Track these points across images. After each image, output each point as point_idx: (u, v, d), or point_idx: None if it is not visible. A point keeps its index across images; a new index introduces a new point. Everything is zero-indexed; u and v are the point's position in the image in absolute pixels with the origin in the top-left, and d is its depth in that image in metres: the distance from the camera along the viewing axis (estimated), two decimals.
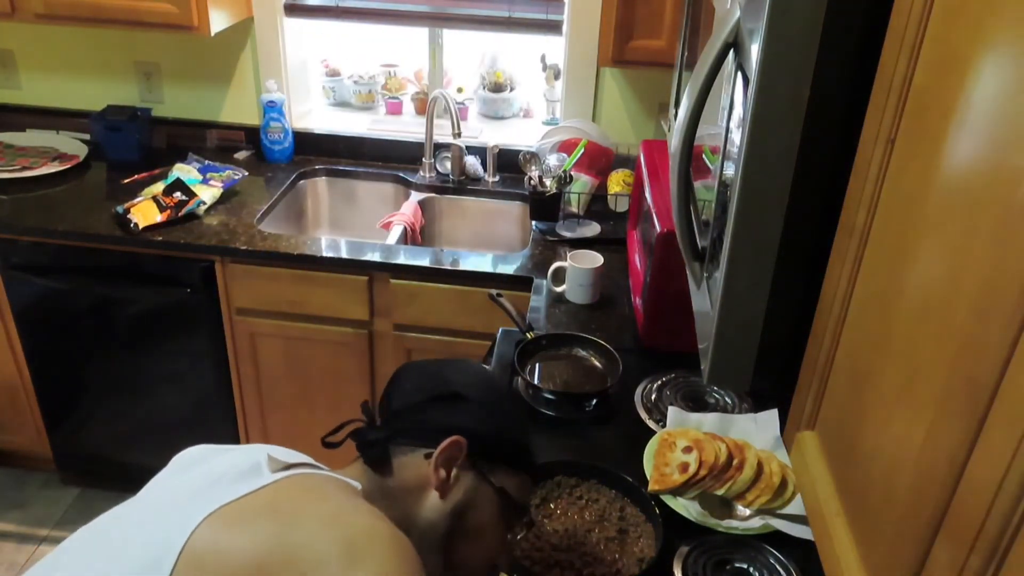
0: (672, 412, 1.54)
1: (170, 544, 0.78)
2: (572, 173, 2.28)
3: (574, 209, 2.36)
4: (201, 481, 0.89)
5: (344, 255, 2.17)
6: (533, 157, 2.40)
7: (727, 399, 1.63)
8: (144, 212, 2.20)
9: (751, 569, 1.24)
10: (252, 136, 2.67)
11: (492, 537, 1.01)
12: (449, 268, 2.14)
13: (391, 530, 0.84)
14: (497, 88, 2.79)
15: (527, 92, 2.85)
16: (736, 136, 0.83)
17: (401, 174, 2.61)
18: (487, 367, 1.10)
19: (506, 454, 1.01)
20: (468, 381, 1.03)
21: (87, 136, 2.67)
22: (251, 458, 0.91)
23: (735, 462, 1.37)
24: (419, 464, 0.97)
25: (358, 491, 0.94)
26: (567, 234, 2.30)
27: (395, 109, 2.83)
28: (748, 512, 1.33)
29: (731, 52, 0.88)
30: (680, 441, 1.42)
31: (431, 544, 0.96)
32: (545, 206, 2.29)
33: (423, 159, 2.59)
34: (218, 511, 0.81)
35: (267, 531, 0.80)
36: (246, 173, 2.47)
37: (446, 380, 1.02)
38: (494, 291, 1.88)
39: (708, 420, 1.52)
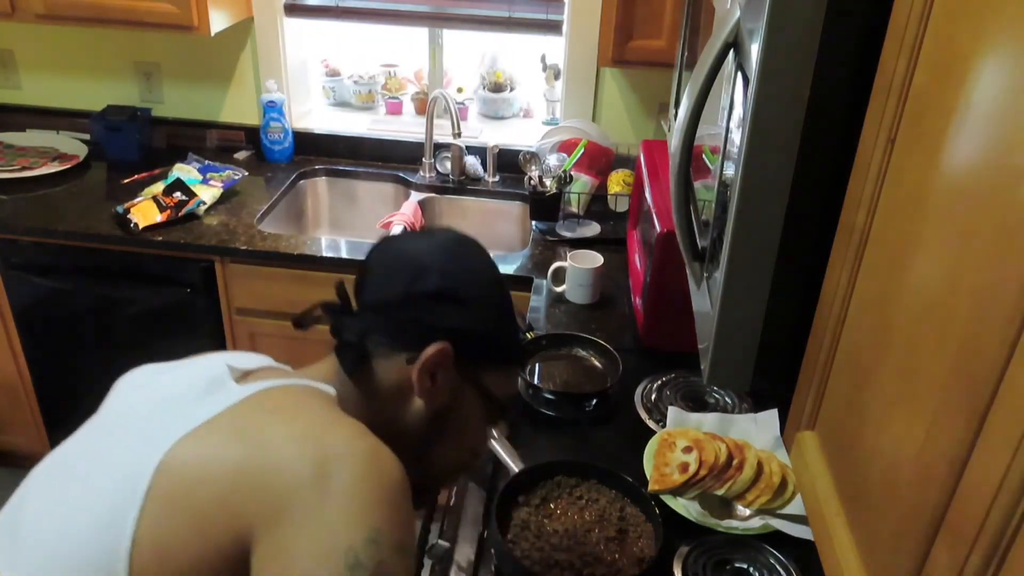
0: (672, 412, 1.54)
1: (140, 474, 0.75)
2: (572, 173, 2.28)
3: (574, 209, 2.36)
4: (161, 402, 0.85)
5: (344, 255, 2.17)
6: (533, 157, 2.40)
7: (727, 399, 1.63)
8: (144, 212, 2.20)
9: (751, 569, 1.24)
10: (252, 136, 2.67)
11: (472, 437, 0.97)
12: None
13: (368, 445, 0.79)
14: (497, 88, 2.79)
15: (527, 92, 2.85)
16: (736, 136, 0.83)
17: (401, 174, 2.61)
18: (471, 241, 0.97)
19: (493, 353, 0.94)
20: (452, 269, 0.91)
21: (87, 136, 2.67)
22: (210, 371, 0.87)
23: (735, 462, 1.37)
24: (400, 369, 0.89)
25: (332, 399, 0.89)
26: (567, 234, 2.30)
27: (395, 109, 2.83)
28: (748, 512, 1.33)
29: (731, 52, 0.88)
30: (680, 441, 1.42)
31: (410, 448, 0.88)
32: (545, 206, 2.29)
33: (423, 159, 2.59)
34: (185, 437, 0.78)
35: (236, 456, 0.76)
36: (246, 173, 2.47)
37: (426, 269, 0.90)
38: None
39: (708, 420, 1.52)
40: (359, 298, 0.95)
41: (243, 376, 0.88)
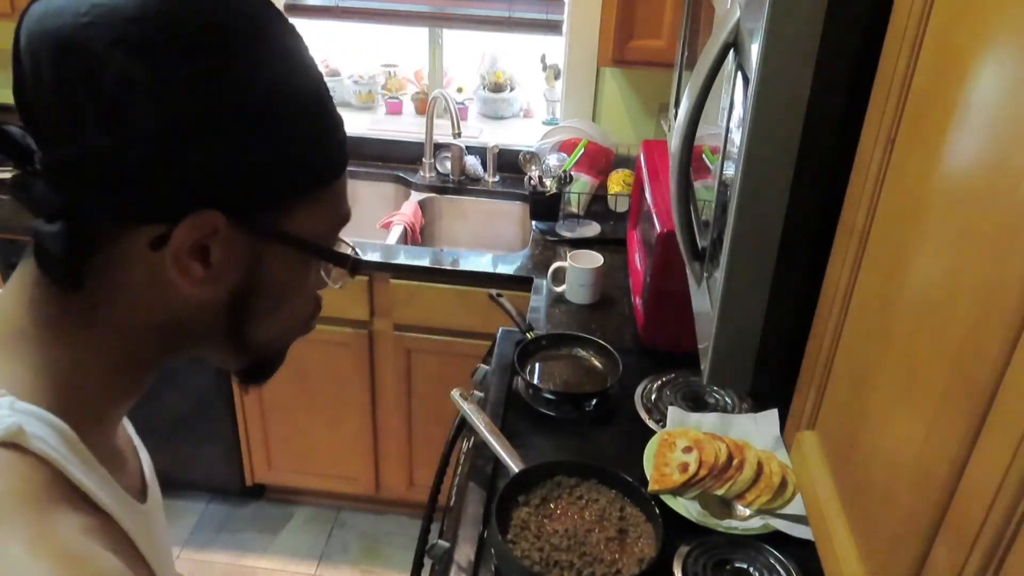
0: (672, 412, 1.54)
1: None
2: (572, 173, 2.29)
3: (574, 209, 2.36)
4: None
5: None
6: (533, 157, 2.40)
7: (727, 399, 1.63)
8: None
9: (751, 569, 1.24)
10: None
11: (300, 296, 0.67)
12: (449, 268, 2.14)
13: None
14: (497, 88, 2.79)
15: (527, 92, 2.85)
16: (736, 136, 0.83)
17: (401, 174, 2.61)
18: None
19: (297, 183, 0.60)
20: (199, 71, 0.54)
21: None
22: None
23: (735, 462, 1.37)
24: (143, 258, 0.57)
25: (15, 335, 0.58)
26: (567, 234, 2.30)
27: (395, 109, 2.83)
28: (748, 512, 1.33)
29: (731, 52, 0.88)
30: (680, 441, 1.42)
31: (205, 338, 0.64)
32: (545, 206, 2.29)
33: (423, 159, 2.59)
34: None
35: None
36: None
37: (121, 71, 0.52)
38: (494, 291, 1.88)
39: (708, 420, 1.52)
40: (40, 141, 0.56)
41: None
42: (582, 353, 1.75)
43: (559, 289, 2.00)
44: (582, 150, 2.29)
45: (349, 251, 0.69)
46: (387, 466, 2.47)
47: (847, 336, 0.73)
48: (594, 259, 1.97)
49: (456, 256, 2.19)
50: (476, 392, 1.65)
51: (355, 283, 2.17)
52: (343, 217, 0.67)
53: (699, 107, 0.91)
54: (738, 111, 0.83)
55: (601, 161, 2.41)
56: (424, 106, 2.74)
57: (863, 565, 0.65)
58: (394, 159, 2.67)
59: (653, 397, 1.63)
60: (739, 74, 0.84)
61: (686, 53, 1.56)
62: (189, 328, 0.63)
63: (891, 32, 0.68)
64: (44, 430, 0.55)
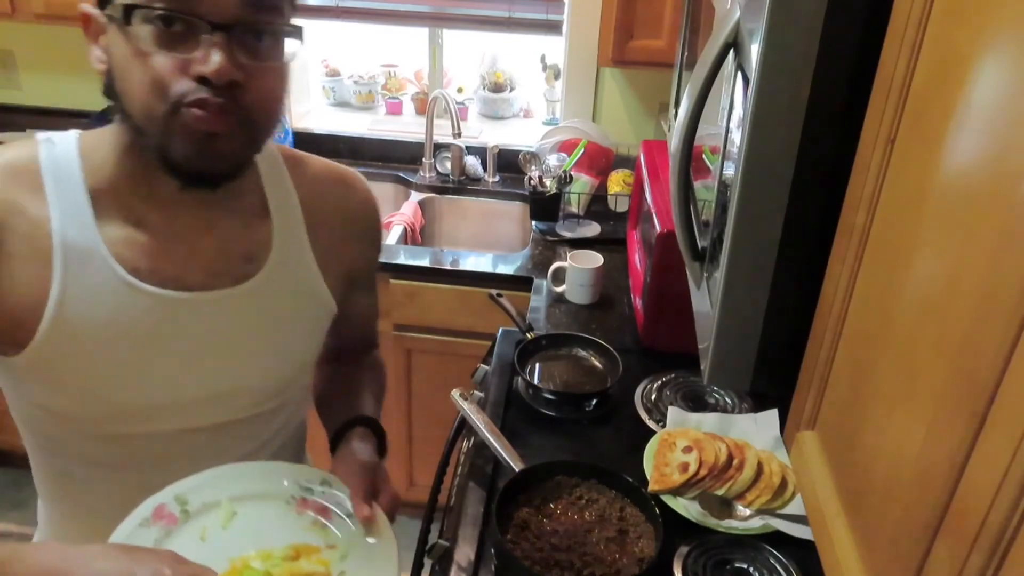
0: (672, 412, 1.54)
1: None
2: (572, 173, 2.29)
3: (574, 209, 2.36)
4: None
5: None
6: (533, 157, 2.40)
7: (727, 399, 1.63)
8: None
9: (751, 569, 1.24)
10: None
11: (128, 60, 0.81)
12: (449, 268, 2.14)
13: None
14: (497, 88, 2.79)
15: (527, 92, 2.85)
16: (736, 136, 0.83)
17: (401, 174, 2.62)
18: None
19: None
20: None
21: None
22: None
23: (735, 462, 1.37)
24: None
25: None
26: (567, 234, 2.30)
27: (395, 109, 2.83)
28: (748, 512, 1.33)
29: (731, 52, 0.88)
30: (680, 441, 1.42)
31: (131, 146, 0.87)
32: (545, 206, 2.29)
33: (423, 159, 2.59)
34: None
35: None
36: None
37: None
38: (494, 291, 1.88)
39: (708, 420, 1.52)
40: None
41: None
42: (582, 353, 1.75)
43: (559, 289, 2.00)
44: (582, 150, 2.29)
45: (144, 3, 0.78)
46: (387, 466, 2.46)
47: (847, 336, 0.73)
48: (594, 259, 1.97)
49: (456, 256, 2.19)
50: (476, 392, 1.65)
51: None
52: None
53: (699, 107, 0.91)
54: (738, 111, 0.83)
55: (601, 161, 2.41)
56: (424, 106, 2.74)
57: (863, 565, 0.65)
58: (394, 159, 2.67)
59: (653, 397, 1.63)
60: (739, 74, 0.84)
61: (686, 53, 1.56)
62: (125, 107, 0.82)
63: (891, 32, 0.68)
64: (70, 157, 0.87)
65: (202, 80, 0.78)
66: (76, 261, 0.85)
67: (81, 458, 0.97)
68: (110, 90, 0.84)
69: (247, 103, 0.82)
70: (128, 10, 0.78)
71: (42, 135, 0.89)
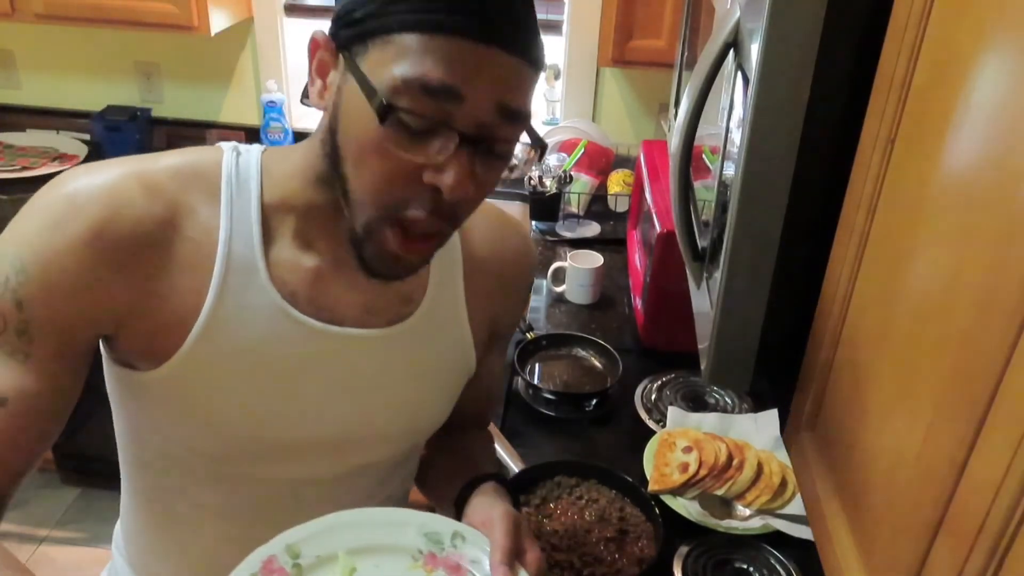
0: (672, 412, 1.54)
1: None
2: (572, 173, 2.29)
3: (574, 209, 2.36)
4: None
5: None
6: None
7: (727, 399, 1.63)
8: None
9: (751, 569, 1.24)
10: (252, 136, 2.67)
11: (377, 154, 0.73)
12: None
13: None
14: None
15: None
16: (736, 136, 0.83)
17: None
18: None
19: (361, 21, 0.72)
20: None
21: (87, 136, 2.67)
22: None
23: (735, 462, 1.37)
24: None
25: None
26: (567, 234, 2.30)
27: None
28: (748, 512, 1.33)
29: (731, 52, 0.88)
30: (680, 441, 1.42)
31: (321, 180, 0.81)
32: (545, 206, 2.29)
33: None
34: None
35: None
36: None
37: None
38: None
39: (708, 420, 1.52)
40: None
41: None
42: (582, 353, 1.75)
43: (559, 289, 2.00)
44: (582, 150, 2.30)
45: (404, 107, 0.70)
46: None
47: (847, 336, 0.73)
48: (594, 259, 1.97)
49: None
50: None
51: None
52: (420, 75, 0.69)
53: (699, 107, 0.91)
54: (738, 111, 0.83)
55: (601, 161, 2.41)
56: None
57: (863, 565, 0.65)
58: None
59: (653, 397, 1.64)
60: (739, 74, 0.84)
61: (686, 53, 1.56)
62: (321, 154, 0.80)
63: (891, 32, 0.68)
64: (250, 170, 0.84)
65: (432, 187, 0.73)
66: (236, 277, 0.80)
67: (185, 497, 0.90)
68: (331, 127, 0.78)
69: (465, 211, 0.79)
70: (385, 110, 0.70)
71: (229, 144, 0.85)
